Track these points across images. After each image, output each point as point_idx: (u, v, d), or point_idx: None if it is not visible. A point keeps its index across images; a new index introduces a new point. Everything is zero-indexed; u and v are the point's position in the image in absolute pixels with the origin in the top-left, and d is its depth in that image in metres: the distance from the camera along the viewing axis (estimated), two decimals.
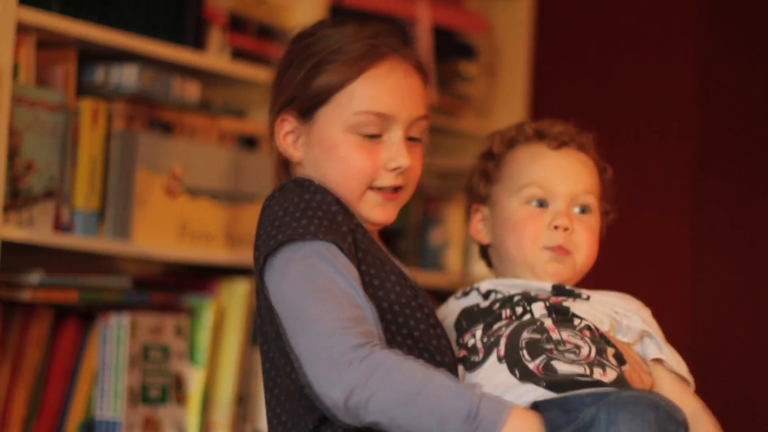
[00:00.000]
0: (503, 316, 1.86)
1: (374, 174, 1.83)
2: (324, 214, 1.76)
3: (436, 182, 3.33)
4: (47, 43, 2.39)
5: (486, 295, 1.94)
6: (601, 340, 1.81)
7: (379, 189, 1.84)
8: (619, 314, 1.90)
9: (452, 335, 1.90)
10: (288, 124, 1.87)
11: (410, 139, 1.86)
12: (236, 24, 2.72)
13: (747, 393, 3.16)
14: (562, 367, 1.74)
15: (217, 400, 2.68)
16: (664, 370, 1.89)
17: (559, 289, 1.92)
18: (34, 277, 2.35)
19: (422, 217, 3.32)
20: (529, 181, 1.95)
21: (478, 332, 1.85)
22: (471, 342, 1.85)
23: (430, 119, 1.90)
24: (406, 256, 3.23)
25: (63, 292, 2.41)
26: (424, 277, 2.88)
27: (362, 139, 1.82)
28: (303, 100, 1.84)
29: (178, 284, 2.69)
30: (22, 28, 2.29)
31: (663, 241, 3.32)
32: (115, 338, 2.48)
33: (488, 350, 1.81)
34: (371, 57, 1.83)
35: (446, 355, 1.82)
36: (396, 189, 1.86)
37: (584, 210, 1.96)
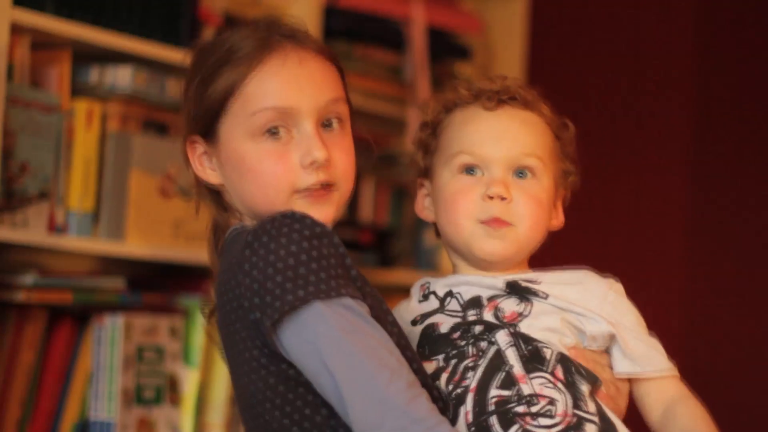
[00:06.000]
0: (469, 353, 1.69)
1: (291, 177, 1.63)
2: (336, 261, 1.57)
3: None
4: (42, 44, 2.39)
5: (443, 300, 1.77)
6: (572, 371, 1.68)
7: (305, 190, 1.64)
8: (580, 318, 1.72)
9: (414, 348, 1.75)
10: (198, 147, 1.69)
11: (328, 128, 1.67)
12: (231, 24, 2.72)
13: (744, 390, 3.17)
14: None
15: (212, 401, 2.68)
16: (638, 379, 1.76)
17: (513, 287, 1.73)
18: (29, 278, 2.35)
19: (416, 218, 3.31)
20: (459, 148, 1.74)
21: (444, 375, 1.69)
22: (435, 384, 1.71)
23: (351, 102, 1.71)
24: (400, 257, 3.23)
25: (57, 293, 2.40)
26: (418, 278, 2.87)
27: (270, 144, 1.63)
28: (200, 118, 1.66)
29: (172, 285, 2.68)
30: (16, 29, 2.29)
31: (657, 235, 3.33)
32: (110, 339, 2.48)
33: (456, 407, 1.67)
34: (259, 51, 1.64)
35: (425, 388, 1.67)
36: (325, 186, 1.65)
37: (523, 174, 1.73)
